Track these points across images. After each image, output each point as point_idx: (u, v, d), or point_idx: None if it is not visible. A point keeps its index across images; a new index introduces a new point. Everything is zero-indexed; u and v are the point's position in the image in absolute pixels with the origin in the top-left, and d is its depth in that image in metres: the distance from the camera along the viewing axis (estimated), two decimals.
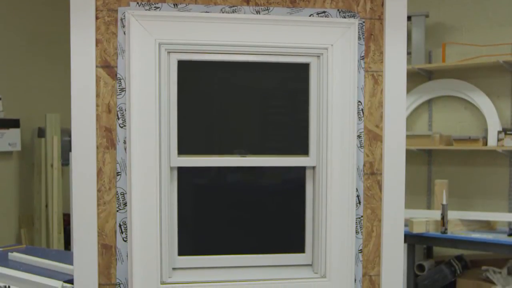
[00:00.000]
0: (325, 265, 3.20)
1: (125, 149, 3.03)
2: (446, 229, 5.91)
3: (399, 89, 3.19)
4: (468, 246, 5.97)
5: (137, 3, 3.03)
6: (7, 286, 3.75)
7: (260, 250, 3.29)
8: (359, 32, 3.17)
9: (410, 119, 7.44)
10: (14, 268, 4.14)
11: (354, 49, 3.15)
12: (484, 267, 6.26)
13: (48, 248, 7.59)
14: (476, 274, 6.36)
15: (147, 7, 3.03)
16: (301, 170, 3.29)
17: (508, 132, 6.45)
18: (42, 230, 7.86)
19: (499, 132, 6.55)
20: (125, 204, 3.05)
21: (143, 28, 3.00)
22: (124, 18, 3.02)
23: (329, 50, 3.13)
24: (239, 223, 3.38)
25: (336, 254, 3.18)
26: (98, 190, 3.03)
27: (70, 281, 3.68)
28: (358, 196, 3.21)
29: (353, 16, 3.17)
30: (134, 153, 3.00)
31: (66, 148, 7.89)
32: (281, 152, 3.27)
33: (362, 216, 3.23)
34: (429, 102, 7.38)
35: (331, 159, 3.15)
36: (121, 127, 3.03)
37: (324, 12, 3.15)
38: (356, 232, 3.22)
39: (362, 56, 3.19)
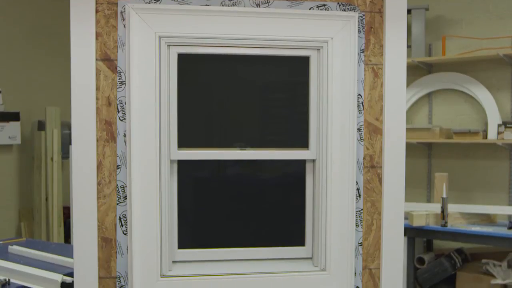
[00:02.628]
0: (325, 258, 3.20)
1: (125, 142, 3.03)
2: (446, 222, 5.92)
3: (399, 82, 3.19)
4: (468, 239, 5.98)
5: None
6: (7, 280, 3.75)
7: (260, 243, 3.29)
8: (359, 25, 3.17)
9: (410, 112, 7.43)
10: (14, 261, 4.14)
11: (354, 42, 3.14)
12: (484, 260, 6.26)
13: (48, 241, 7.60)
14: (476, 267, 6.37)
15: (147, 0, 3.02)
16: (301, 163, 3.29)
17: (508, 125, 6.45)
18: (42, 223, 7.86)
19: (499, 125, 6.54)
20: (125, 197, 3.05)
21: (143, 21, 3.00)
22: (124, 11, 3.01)
23: (329, 43, 3.13)
24: (239, 216, 3.39)
25: (336, 247, 3.19)
26: (98, 183, 3.03)
27: (70, 274, 3.69)
28: (358, 189, 3.21)
29: (353, 9, 3.17)
30: (134, 146, 3.00)
31: (66, 141, 7.89)
32: (281, 145, 3.27)
33: (362, 209, 3.23)
34: (429, 95, 7.38)
35: (331, 152, 3.15)
36: (121, 120, 3.03)
37: (324, 5, 3.15)
38: (356, 225, 3.22)
39: (362, 49, 3.18)
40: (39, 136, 7.89)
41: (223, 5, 3.07)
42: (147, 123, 3.01)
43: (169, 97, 3.10)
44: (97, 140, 3.02)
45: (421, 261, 6.53)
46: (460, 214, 6.14)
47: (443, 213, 5.92)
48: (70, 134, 3.03)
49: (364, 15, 3.18)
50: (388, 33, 3.17)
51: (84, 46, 2.98)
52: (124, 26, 3.02)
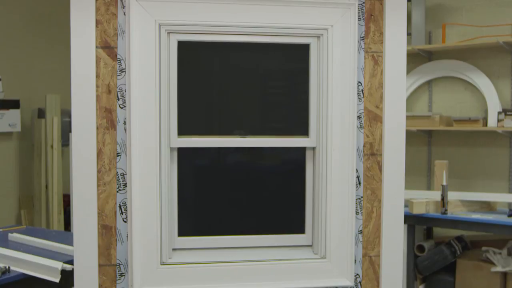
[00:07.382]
0: (325, 246, 3.21)
1: (125, 129, 3.03)
2: (446, 210, 5.92)
3: (399, 70, 3.19)
4: (468, 227, 5.98)
5: None
6: (7, 267, 3.76)
7: (260, 231, 3.30)
8: (359, 12, 3.16)
9: (410, 100, 7.42)
10: (14, 249, 4.15)
11: (354, 30, 3.14)
12: (484, 248, 6.27)
13: (48, 229, 7.61)
14: (476, 254, 6.37)
15: None
16: (301, 151, 3.29)
17: (508, 113, 6.44)
18: (42, 211, 7.87)
19: (499, 113, 6.53)
20: (125, 185, 3.05)
21: (143, 9, 2.99)
22: None
23: (329, 31, 3.13)
24: (239, 204, 3.39)
25: (336, 235, 3.19)
26: (98, 171, 3.03)
27: (70, 262, 3.69)
28: (358, 176, 3.21)
29: None
30: (134, 134, 3.00)
31: (66, 129, 7.90)
32: (281, 133, 3.27)
33: (362, 197, 3.23)
34: (429, 83, 7.36)
35: (331, 139, 3.15)
36: (121, 108, 3.03)
37: None
38: (356, 213, 3.22)
39: (362, 37, 3.18)
40: (39, 124, 7.89)
41: None
42: (147, 111, 3.01)
43: (169, 85, 3.10)
44: (97, 128, 3.02)
45: (421, 248, 6.54)
46: (460, 201, 6.15)
47: (443, 200, 5.93)
48: (70, 122, 3.03)
49: (364, 2, 3.17)
50: (388, 20, 3.17)
51: (84, 33, 2.97)
52: (124, 14, 3.01)
